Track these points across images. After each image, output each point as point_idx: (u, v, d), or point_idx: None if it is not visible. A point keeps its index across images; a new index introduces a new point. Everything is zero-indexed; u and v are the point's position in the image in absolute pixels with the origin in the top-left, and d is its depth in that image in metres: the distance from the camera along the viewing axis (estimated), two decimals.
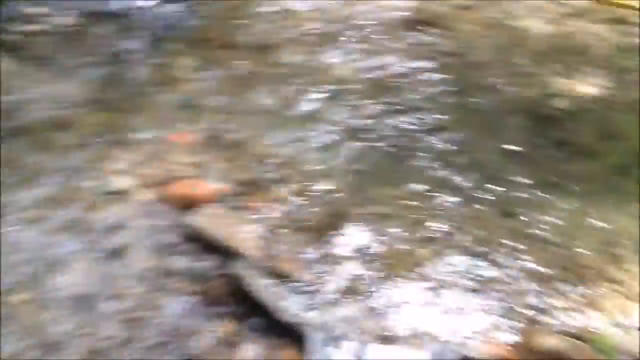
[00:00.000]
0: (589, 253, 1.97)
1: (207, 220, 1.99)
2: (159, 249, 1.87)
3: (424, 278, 1.85)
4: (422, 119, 2.67)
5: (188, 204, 2.06)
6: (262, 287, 1.75)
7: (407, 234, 2.02)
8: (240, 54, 3.12)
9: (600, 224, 2.11)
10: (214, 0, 3.68)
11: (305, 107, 2.73)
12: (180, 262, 1.83)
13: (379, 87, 2.89)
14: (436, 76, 2.99)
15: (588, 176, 2.35)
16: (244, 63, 3.04)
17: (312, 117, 2.66)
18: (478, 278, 1.86)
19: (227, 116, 2.61)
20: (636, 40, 3.17)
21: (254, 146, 2.44)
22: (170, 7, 3.53)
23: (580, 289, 1.82)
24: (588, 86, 2.88)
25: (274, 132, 2.54)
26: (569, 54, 3.15)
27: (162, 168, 2.25)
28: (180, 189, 2.14)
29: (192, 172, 2.25)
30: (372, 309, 1.72)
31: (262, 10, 3.57)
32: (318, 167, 2.33)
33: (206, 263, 1.83)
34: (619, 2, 3.36)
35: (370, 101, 2.77)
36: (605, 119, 2.66)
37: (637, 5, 3.17)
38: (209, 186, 2.17)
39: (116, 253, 1.85)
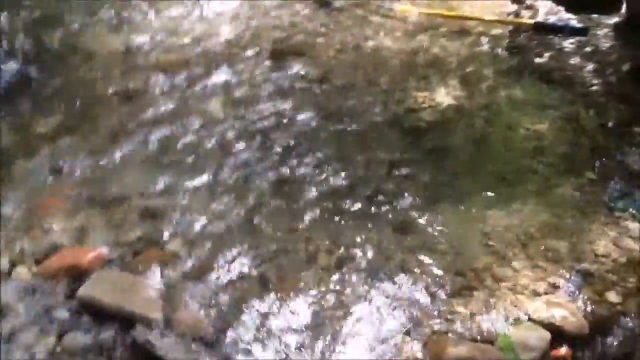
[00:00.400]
0: (478, 256, 2.13)
1: (99, 288, 1.89)
2: (54, 329, 1.74)
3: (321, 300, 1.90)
4: (299, 149, 2.75)
5: (76, 274, 1.94)
6: (170, 347, 1.70)
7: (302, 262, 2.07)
8: (105, 105, 3.02)
9: (485, 226, 2.30)
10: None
11: (179, 151, 2.70)
12: (80, 338, 1.72)
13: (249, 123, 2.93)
14: (305, 104, 3.09)
15: (463, 181, 2.56)
16: (111, 113, 2.94)
17: (188, 162, 2.63)
18: (378, 295, 1.95)
19: (102, 173, 2.51)
20: (480, 49, 3.49)
21: (135, 201, 2.36)
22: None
23: (478, 293, 1.97)
24: (445, 97, 3.12)
25: (152, 182, 2.48)
26: (423, 68, 3.39)
27: (41, 240, 2.10)
28: (64, 259, 2.01)
29: (74, 239, 2.13)
30: None
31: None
32: (203, 215, 2.31)
33: (108, 333, 1.74)
34: (510, 20, 3.66)
35: (243, 140, 2.80)
36: (465, 126, 2.91)
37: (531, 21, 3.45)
38: (95, 251, 2.06)
39: (6, 340, 1.69)
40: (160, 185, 2.47)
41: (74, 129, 2.77)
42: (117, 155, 2.64)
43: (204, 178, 2.52)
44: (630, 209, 2.33)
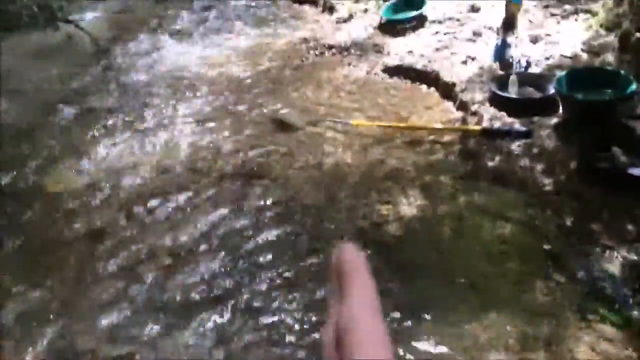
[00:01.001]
0: None
1: None
2: None
3: None
4: (263, 272, 2.74)
5: None
6: None
7: None
8: (69, 249, 2.97)
9: (464, 341, 2.30)
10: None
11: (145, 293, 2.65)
12: None
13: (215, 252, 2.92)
14: (269, 226, 3.12)
15: (435, 295, 2.58)
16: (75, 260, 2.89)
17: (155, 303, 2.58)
18: None
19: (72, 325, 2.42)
20: (434, 157, 3.64)
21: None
22: None
23: None
24: (408, 208, 3.20)
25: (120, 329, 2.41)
26: (383, 180, 3.50)
27: None
28: None
29: None
30: None
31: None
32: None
33: None
34: (459, 127, 3.83)
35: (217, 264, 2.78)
36: (430, 236, 2.97)
37: (478, 128, 3.63)
38: None
39: None
40: (130, 332, 2.40)
41: (38, 283, 2.70)
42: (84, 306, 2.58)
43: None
44: (601, 311, 2.37)
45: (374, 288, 0.31)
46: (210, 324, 2.51)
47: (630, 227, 2.79)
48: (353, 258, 0.32)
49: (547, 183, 3.18)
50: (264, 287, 2.72)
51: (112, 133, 4.16)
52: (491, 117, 3.77)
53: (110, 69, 5.19)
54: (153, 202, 3.37)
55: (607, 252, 2.69)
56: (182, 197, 3.39)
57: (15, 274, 2.78)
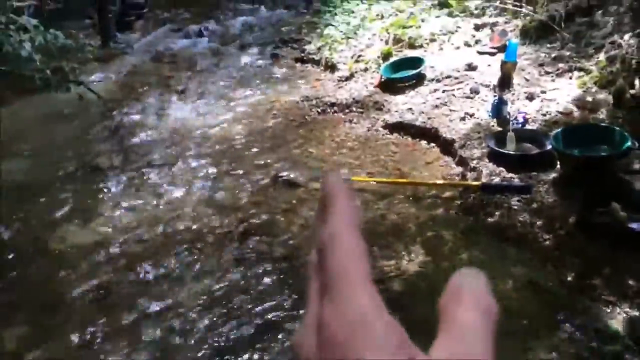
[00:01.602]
0: None
1: None
2: None
3: None
4: (270, 332, 2.74)
5: None
6: None
7: None
8: (74, 309, 2.99)
9: None
10: None
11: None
12: None
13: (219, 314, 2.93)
14: (273, 285, 3.14)
15: None
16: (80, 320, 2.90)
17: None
18: None
19: None
20: (435, 212, 3.69)
21: None
22: None
23: None
24: (410, 264, 3.23)
25: None
26: (385, 236, 3.53)
27: None
28: None
29: None
30: None
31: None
32: None
33: None
34: (459, 182, 3.89)
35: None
36: (433, 293, 2.97)
37: (477, 183, 3.69)
38: None
39: None
40: None
41: (40, 342, 2.71)
42: None
43: None
44: None
45: (355, 209, 0.30)
46: None
47: (631, 282, 2.80)
48: (336, 182, 0.31)
49: (547, 238, 3.21)
50: (267, 345, 2.71)
51: (116, 192, 4.24)
52: (490, 172, 3.84)
53: (117, 129, 5.32)
54: (155, 261, 3.40)
55: (610, 307, 2.69)
56: (184, 256, 3.42)
57: (16, 334, 2.78)
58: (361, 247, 0.29)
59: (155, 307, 2.97)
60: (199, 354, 2.69)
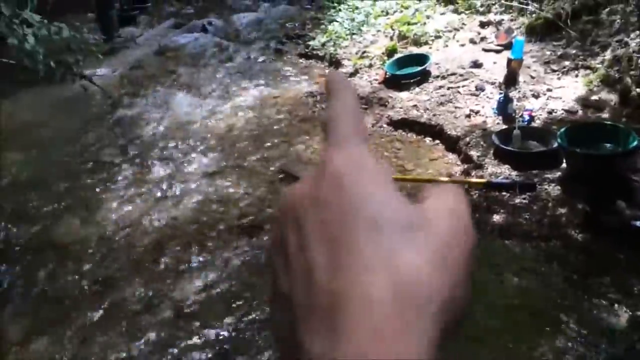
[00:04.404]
0: None
1: None
2: None
3: None
4: None
5: None
6: None
7: None
8: (79, 301, 2.98)
9: None
10: None
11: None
12: None
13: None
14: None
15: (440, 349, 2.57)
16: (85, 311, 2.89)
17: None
18: None
19: None
20: None
21: None
22: None
23: None
24: None
25: None
26: None
27: None
28: None
29: None
30: None
31: None
32: None
33: None
34: (463, 179, 3.87)
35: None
36: None
37: (482, 180, 3.68)
38: None
39: None
40: None
41: (44, 334, 2.71)
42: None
43: None
44: None
45: (353, 94, 0.36)
46: None
47: (636, 280, 2.79)
48: (338, 77, 0.37)
49: (553, 236, 3.20)
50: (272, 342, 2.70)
51: (121, 185, 4.23)
52: (495, 170, 3.83)
53: (121, 123, 5.31)
54: (160, 255, 3.40)
55: (615, 306, 2.68)
56: (189, 250, 3.42)
57: (20, 326, 2.78)
58: (359, 121, 0.35)
59: (159, 300, 2.96)
60: (203, 349, 2.68)
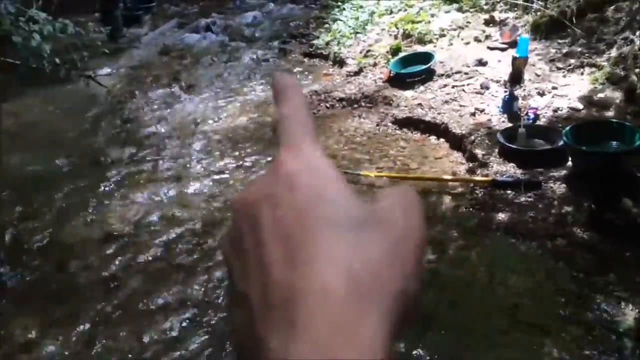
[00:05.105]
0: None
1: None
2: None
3: None
4: None
5: None
6: None
7: None
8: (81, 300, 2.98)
9: None
10: None
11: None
12: None
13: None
14: None
15: (449, 349, 2.57)
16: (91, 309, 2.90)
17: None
18: None
19: None
20: (444, 208, 3.67)
21: None
22: None
23: None
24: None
25: None
26: None
27: None
28: None
29: None
30: None
31: None
32: None
33: None
34: (469, 178, 3.86)
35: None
36: (442, 288, 2.96)
37: (488, 179, 3.68)
38: None
39: None
40: None
41: (51, 331, 2.71)
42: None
43: None
44: None
45: (301, 95, 0.37)
46: None
47: None
48: (286, 80, 0.38)
49: (559, 234, 3.19)
50: None
51: (126, 185, 4.23)
52: (500, 168, 3.82)
53: (125, 122, 5.32)
54: (165, 254, 3.40)
55: (622, 303, 2.67)
56: (195, 249, 3.42)
57: (27, 325, 2.79)
58: (306, 118, 0.35)
59: (165, 298, 2.97)
60: (209, 345, 2.68)
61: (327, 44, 6.73)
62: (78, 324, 2.77)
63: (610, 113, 4.11)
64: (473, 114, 4.53)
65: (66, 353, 2.60)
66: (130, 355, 2.58)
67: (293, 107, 0.36)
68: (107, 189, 4.20)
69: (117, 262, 3.30)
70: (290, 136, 0.34)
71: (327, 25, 7.28)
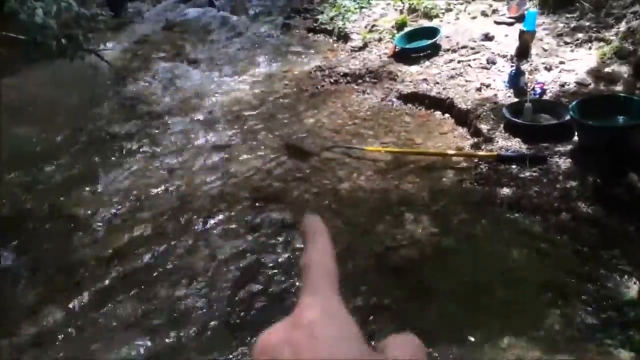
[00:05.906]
0: None
1: None
2: None
3: None
4: (279, 305, 2.74)
5: None
6: None
7: None
8: (84, 270, 3.00)
9: None
10: None
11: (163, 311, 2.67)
12: None
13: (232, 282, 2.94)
14: (286, 252, 3.14)
15: (452, 320, 2.58)
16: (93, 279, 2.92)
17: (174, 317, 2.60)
18: None
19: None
20: (449, 183, 3.66)
21: None
22: None
23: None
24: (421, 232, 3.21)
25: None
26: (397, 206, 3.51)
27: None
28: None
29: None
30: None
31: None
32: None
33: None
34: (473, 153, 3.84)
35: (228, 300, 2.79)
36: (445, 261, 2.97)
37: (493, 154, 3.64)
38: None
39: None
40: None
41: (56, 301, 2.74)
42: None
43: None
44: (619, 336, 2.34)
45: (328, 242, 0.41)
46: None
47: None
48: (315, 223, 0.42)
49: (564, 209, 3.18)
50: (275, 315, 2.72)
51: (130, 158, 4.24)
52: (505, 143, 3.79)
53: (129, 97, 5.31)
54: (169, 226, 3.41)
55: (625, 277, 2.67)
56: (198, 221, 3.43)
57: (32, 295, 2.82)
58: (331, 271, 0.39)
59: (168, 270, 2.99)
60: (211, 316, 2.70)
61: (332, 19, 6.65)
62: (83, 292, 2.79)
63: (618, 88, 4.06)
64: (479, 89, 4.48)
65: (72, 321, 2.62)
66: (135, 324, 2.60)
67: (319, 255, 0.40)
68: (111, 162, 4.21)
69: (120, 234, 3.32)
70: (314, 286, 0.39)
71: (331, 0, 7.19)
